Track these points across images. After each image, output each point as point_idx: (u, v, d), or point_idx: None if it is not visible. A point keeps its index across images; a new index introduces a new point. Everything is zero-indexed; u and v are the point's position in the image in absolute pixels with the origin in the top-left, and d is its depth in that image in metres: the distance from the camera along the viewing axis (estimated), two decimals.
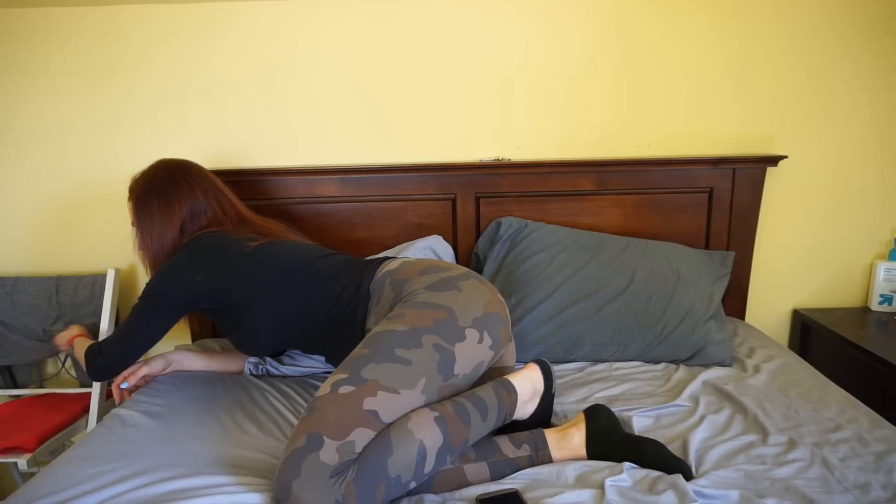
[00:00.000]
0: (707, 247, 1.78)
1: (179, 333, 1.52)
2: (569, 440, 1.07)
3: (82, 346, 1.35)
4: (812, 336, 1.83)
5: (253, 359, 1.49)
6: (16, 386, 1.77)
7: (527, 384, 1.12)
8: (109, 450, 1.08)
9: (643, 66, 1.74)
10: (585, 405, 1.25)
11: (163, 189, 1.30)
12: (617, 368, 1.49)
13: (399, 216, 1.75)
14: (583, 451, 1.06)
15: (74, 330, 1.48)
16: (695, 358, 1.49)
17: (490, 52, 1.72)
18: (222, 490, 0.94)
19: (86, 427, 1.60)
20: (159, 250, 1.29)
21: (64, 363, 1.81)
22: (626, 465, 1.01)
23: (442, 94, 1.75)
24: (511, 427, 1.13)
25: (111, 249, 1.81)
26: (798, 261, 1.88)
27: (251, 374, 1.47)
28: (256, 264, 1.23)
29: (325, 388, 0.97)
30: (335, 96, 1.74)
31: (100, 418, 1.58)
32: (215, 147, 1.76)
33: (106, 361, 1.26)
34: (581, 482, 0.98)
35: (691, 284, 1.57)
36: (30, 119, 1.73)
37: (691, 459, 1.04)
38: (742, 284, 1.81)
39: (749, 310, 1.88)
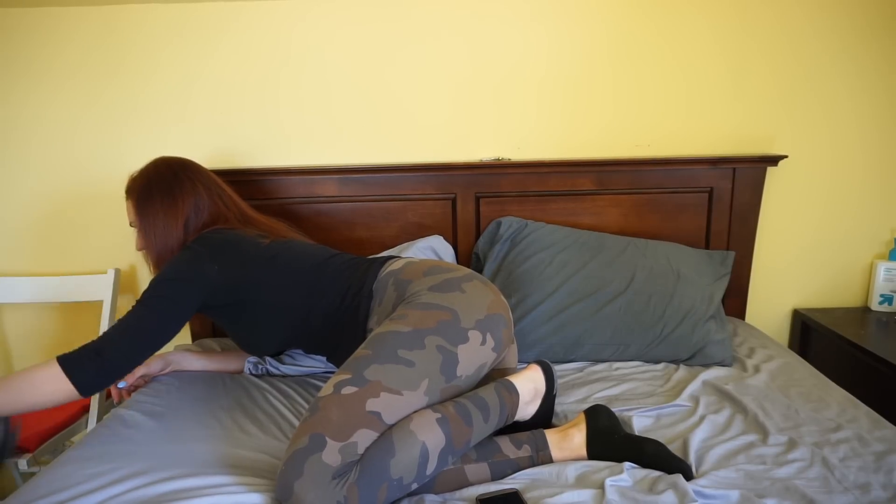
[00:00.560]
0: (707, 247, 1.78)
1: (179, 333, 1.52)
2: (569, 440, 1.07)
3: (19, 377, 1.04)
4: (812, 336, 1.83)
5: (253, 358, 1.48)
6: None
7: (528, 385, 1.12)
8: (109, 450, 1.08)
9: (643, 67, 1.74)
10: (586, 405, 1.26)
11: (166, 186, 1.27)
12: (617, 368, 1.49)
13: (399, 216, 1.75)
14: (583, 452, 1.06)
15: None
16: (695, 358, 1.49)
17: (490, 52, 1.72)
18: (222, 490, 0.94)
19: (86, 427, 1.60)
20: (164, 248, 1.26)
21: None
22: (627, 465, 1.01)
23: (442, 94, 1.75)
24: (512, 428, 1.13)
25: (111, 249, 1.81)
26: (798, 261, 1.88)
27: (251, 374, 1.47)
28: (270, 261, 1.22)
29: (327, 389, 0.97)
30: (336, 96, 1.74)
31: (100, 418, 1.59)
32: (217, 147, 1.76)
33: (109, 365, 1.06)
34: (581, 482, 0.98)
35: (691, 284, 1.57)
36: (32, 119, 1.72)
37: (691, 459, 1.05)
38: (742, 284, 1.81)
39: (749, 310, 1.88)
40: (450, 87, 1.74)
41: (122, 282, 1.79)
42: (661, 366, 1.50)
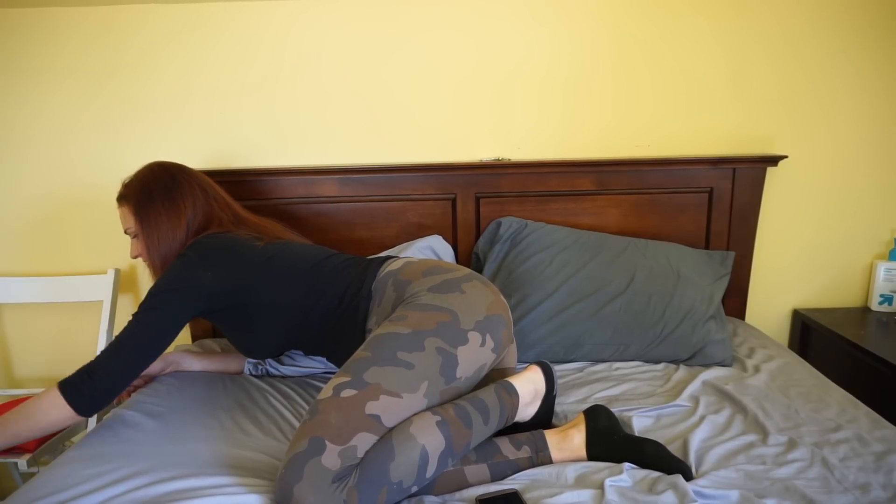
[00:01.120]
0: (707, 247, 1.78)
1: (179, 333, 1.52)
2: (569, 441, 1.07)
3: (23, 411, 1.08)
4: (812, 336, 1.83)
5: (252, 359, 1.48)
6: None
7: (528, 386, 1.12)
8: (109, 450, 1.08)
9: (643, 67, 1.74)
10: (585, 405, 1.26)
11: (165, 189, 1.26)
12: (617, 368, 1.49)
13: (399, 216, 1.75)
14: (583, 452, 1.06)
15: None
16: (695, 358, 1.49)
17: (490, 52, 1.72)
18: (222, 491, 0.94)
19: (86, 427, 1.60)
20: (168, 251, 1.23)
21: None
22: (626, 465, 1.01)
23: (442, 95, 1.75)
24: (512, 428, 1.12)
25: (111, 250, 1.81)
26: (798, 261, 1.88)
27: (251, 375, 1.47)
28: (267, 263, 1.21)
29: (326, 391, 0.97)
30: (335, 97, 1.74)
31: (100, 418, 1.59)
32: (216, 148, 1.76)
33: (101, 384, 1.07)
34: (581, 482, 0.98)
35: (691, 284, 1.57)
36: (30, 120, 1.72)
37: (691, 459, 1.05)
38: (742, 284, 1.81)
39: (749, 310, 1.88)
40: (450, 86, 1.74)
41: (122, 282, 1.80)
42: (661, 366, 1.50)
